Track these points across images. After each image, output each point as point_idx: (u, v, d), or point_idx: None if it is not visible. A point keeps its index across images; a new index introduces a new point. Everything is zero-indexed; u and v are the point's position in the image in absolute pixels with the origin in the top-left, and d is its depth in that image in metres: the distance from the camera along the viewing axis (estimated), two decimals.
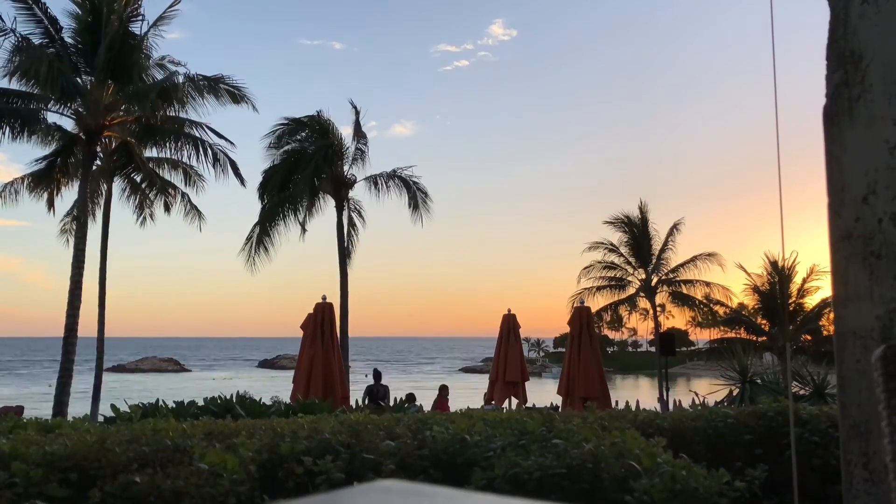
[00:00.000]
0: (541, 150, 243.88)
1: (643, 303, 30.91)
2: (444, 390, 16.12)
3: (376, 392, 15.44)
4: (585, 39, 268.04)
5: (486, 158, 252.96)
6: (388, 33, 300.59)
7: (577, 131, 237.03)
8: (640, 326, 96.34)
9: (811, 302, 29.02)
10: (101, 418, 11.71)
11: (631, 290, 30.28)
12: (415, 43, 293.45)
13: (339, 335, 15.76)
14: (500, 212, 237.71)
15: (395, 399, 14.91)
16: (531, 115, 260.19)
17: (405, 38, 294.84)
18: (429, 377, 69.81)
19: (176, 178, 23.00)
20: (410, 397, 15.81)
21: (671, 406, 17.78)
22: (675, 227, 29.79)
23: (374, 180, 24.70)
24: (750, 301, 30.17)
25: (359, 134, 24.81)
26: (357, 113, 24.93)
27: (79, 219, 19.75)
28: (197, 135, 21.03)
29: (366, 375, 17.89)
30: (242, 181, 22.15)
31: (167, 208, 23.08)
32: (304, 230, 24.14)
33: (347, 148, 24.63)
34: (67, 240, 22.92)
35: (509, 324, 15.59)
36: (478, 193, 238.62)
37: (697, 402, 16.87)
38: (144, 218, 23.47)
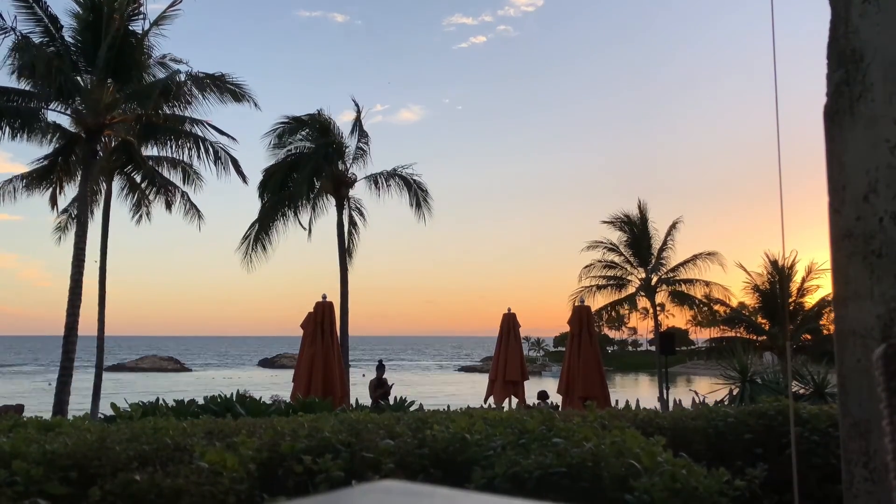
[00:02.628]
0: (544, 146, 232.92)
1: (643, 302, 30.93)
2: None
3: (384, 386, 15.46)
4: (597, 31, 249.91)
5: (491, 151, 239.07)
6: (395, 3, 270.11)
7: (578, 128, 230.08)
8: (639, 326, 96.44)
9: (811, 301, 29.04)
10: (101, 417, 11.73)
11: (631, 290, 30.30)
12: (426, 14, 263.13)
13: (339, 334, 15.77)
14: (501, 208, 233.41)
15: (395, 398, 14.92)
16: (542, 106, 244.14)
17: (415, 7, 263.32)
18: (428, 377, 69.90)
19: (175, 177, 23.03)
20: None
21: (671, 405, 17.80)
22: (674, 226, 29.80)
23: (374, 179, 24.73)
24: (750, 300, 30.19)
25: (360, 133, 24.81)
26: (358, 111, 24.94)
27: (79, 218, 19.75)
28: (198, 132, 21.03)
29: (363, 375, 17.92)
30: (244, 178, 22.17)
31: (168, 206, 23.08)
32: (309, 232, 24.18)
33: (348, 147, 24.65)
34: (60, 238, 22.91)
35: (509, 323, 15.58)
36: (479, 189, 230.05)
37: (697, 401, 16.91)
38: (141, 216, 23.46)
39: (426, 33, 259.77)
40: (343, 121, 78.77)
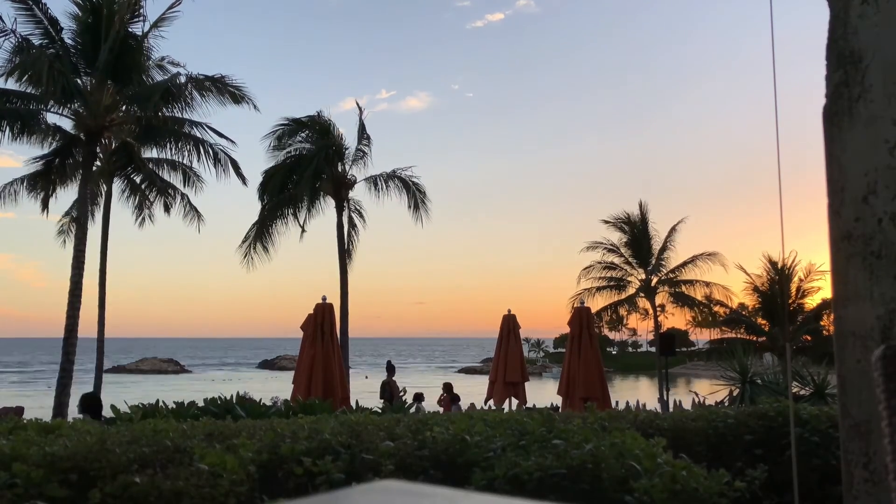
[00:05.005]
0: (545, 142, 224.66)
1: (643, 303, 30.95)
2: (448, 387, 16.16)
3: (387, 388, 15.49)
4: (618, 12, 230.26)
5: (494, 144, 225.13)
6: None
7: (579, 124, 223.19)
8: (639, 327, 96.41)
9: (811, 302, 29.04)
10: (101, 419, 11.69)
11: (631, 291, 30.33)
12: None
13: (339, 336, 15.77)
14: (501, 206, 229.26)
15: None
16: (548, 97, 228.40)
17: None
18: (428, 377, 69.87)
19: (175, 179, 23.05)
20: (418, 397, 15.84)
21: (671, 406, 17.80)
22: (674, 228, 29.85)
23: (374, 181, 24.76)
24: (750, 301, 30.20)
25: (361, 134, 24.84)
26: (360, 113, 24.98)
27: (78, 220, 19.76)
28: (198, 135, 21.05)
29: (366, 377, 17.96)
30: (244, 180, 22.19)
31: (167, 209, 23.12)
32: (303, 231, 24.23)
33: (348, 148, 24.70)
34: (65, 241, 22.95)
35: (509, 324, 15.58)
36: (480, 185, 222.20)
37: (697, 402, 16.91)
38: (143, 219, 23.52)
39: (437, 9, 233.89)
40: (344, 109, 78.36)
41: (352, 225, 24.76)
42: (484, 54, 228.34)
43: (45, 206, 21.61)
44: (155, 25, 20.28)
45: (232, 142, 21.74)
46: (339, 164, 24.46)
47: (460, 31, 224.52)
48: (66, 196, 22.23)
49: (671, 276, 29.89)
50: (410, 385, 18.27)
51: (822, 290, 28.07)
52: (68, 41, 19.86)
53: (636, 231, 29.73)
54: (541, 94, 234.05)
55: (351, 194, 24.77)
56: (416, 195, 24.58)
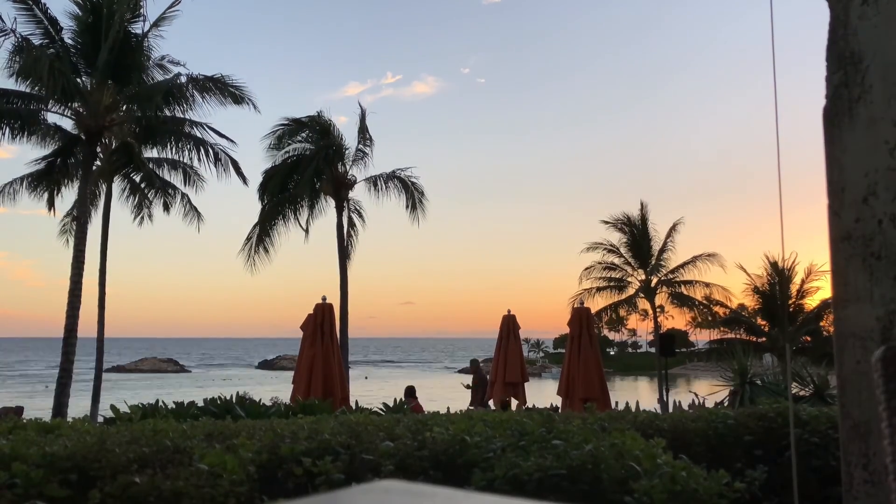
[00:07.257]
0: (545, 140, 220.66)
1: (643, 303, 30.94)
2: (411, 391, 16.00)
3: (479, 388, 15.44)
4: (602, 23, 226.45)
5: (499, 138, 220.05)
6: None
7: (582, 123, 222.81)
8: (639, 327, 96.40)
9: (811, 303, 29.01)
10: (100, 419, 11.71)
11: (630, 291, 30.31)
12: None
13: (338, 336, 15.75)
14: (501, 205, 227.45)
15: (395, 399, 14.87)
16: (561, 88, 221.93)
17: None
18: (428, 377, 69.86)
19: (175, 179, 23.04)
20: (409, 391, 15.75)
21: (671, 407, 17.79)
22: (674, 228, 29.82)
23: (374, 181, 24.76)
24: (750, 302, 30.18)
25: (363, 135, 24.84)
26: (363, 114, 24.99)
27: (79, 219, 19.75)
28: (198, 134, 21.06)
29: (365, 378, 17.89)
30: (244, 180, 22.20)
31: (166, 208, 23.10)
32: (306, 232, 24.21)
33: (348, 148, 24.71)
34: (67, 240, 22.94)
35: (509, 324, 15.57)
36: (481, 182, 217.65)
37: (697, 402, 16.92)
38: (142, 218, 23.50)
39: None
40: (347, 94, 77.99)
41: (351, 225, 24.77)
42: (498, 35, 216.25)
43: (51, 205, 21.63)
44: (155, 25, 20.31)
45: (232, 141, 21.80)
46: (340, 164, 24.46)
47: (474, 8, 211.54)
48: (68, 196, 22.26)
49: (671, 276, 29.88)
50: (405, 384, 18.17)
51: (822, 290, 28.07)
52: (68, 41, 19.86)
53: (636, 231, 29.71)
54: (554, 83, 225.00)
55: (351, 194, 24.79)
56: (414, 195, 24.61)
